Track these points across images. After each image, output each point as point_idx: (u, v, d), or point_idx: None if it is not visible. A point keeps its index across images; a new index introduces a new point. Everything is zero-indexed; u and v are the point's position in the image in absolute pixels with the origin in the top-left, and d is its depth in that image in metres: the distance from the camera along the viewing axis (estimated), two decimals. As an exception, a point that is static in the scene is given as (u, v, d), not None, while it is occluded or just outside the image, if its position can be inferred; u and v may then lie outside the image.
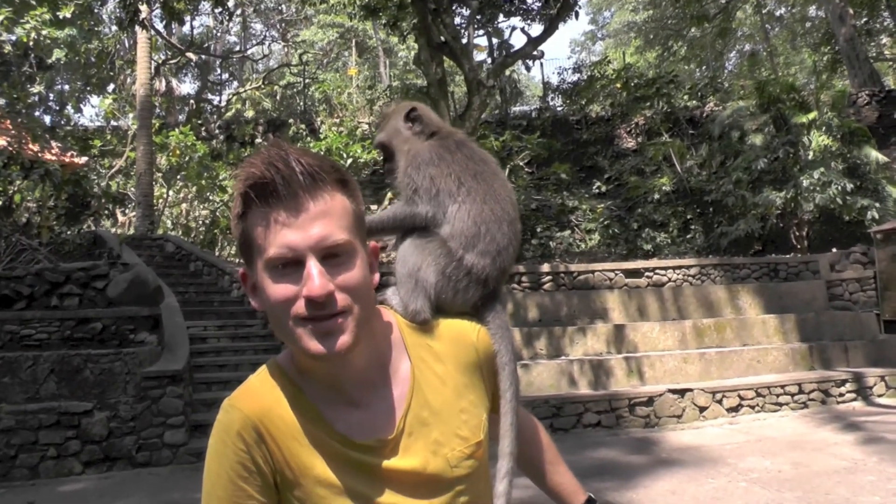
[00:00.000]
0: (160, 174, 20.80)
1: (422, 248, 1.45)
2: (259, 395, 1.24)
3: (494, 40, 19.29)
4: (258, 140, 22.13)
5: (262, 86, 30.70)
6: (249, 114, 28.68)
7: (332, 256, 1.15)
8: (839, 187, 14.38)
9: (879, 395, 10.63)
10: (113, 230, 19.37)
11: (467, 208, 1.45)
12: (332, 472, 1.21)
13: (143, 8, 15.11)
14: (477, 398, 1.34)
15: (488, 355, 1.38)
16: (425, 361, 1.32)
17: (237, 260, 17.01)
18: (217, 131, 23.74)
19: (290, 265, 1.14)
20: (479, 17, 17.03)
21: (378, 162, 17.08)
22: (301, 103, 28.51)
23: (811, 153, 15.07)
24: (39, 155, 16.25)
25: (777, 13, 40.41)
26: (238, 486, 1.20)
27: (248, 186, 1.15)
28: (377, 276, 1.26)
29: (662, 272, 13.22)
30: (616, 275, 12.99)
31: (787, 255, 15.00)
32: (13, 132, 15.63)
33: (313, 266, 1.12)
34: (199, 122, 24.35)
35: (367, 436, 1.23)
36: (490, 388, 1.38)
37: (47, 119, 29.28)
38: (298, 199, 1.14)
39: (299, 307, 1.13)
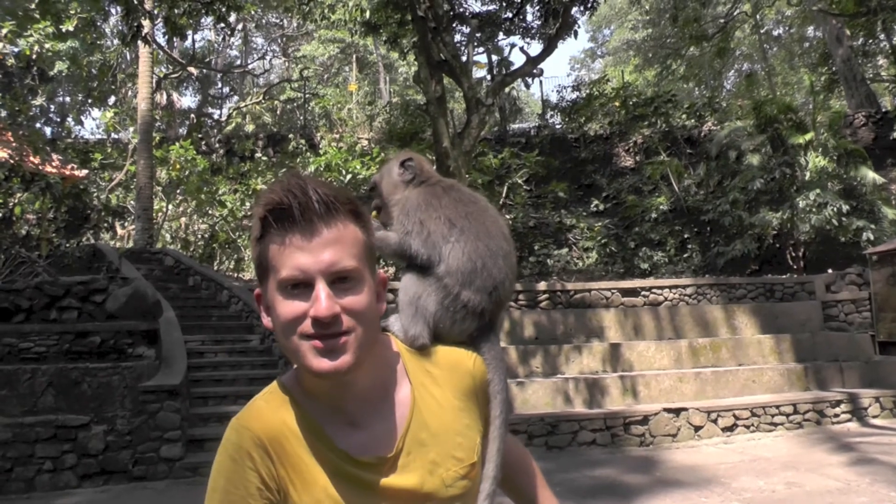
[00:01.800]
0: (160, 188, 20.88)
1: (422, 280, 1.52)
2: (265, 415, 1.30)
3: (494, 58, 19.41)
4: (258, 155, 22.23)
5: (263, 100, 30.88)
6: (250, 128, 28.82)
7: (340, 281, 1.21)
8: (835, 208, 14.47)
9: (874, 417, 10.67)
10: (112, 243, 19.44)
11: (461, 246, 1.50)
12: (334, 487, 1.26)
13: (146, 23, 15.22)
14: (472, 422, 1.39)
15: (483, 382, 1.44)
16: (425, 386, 1.37)
17: (236, 275, 17.06)
18: (217, 145, 23.84)
19: (301, 286, 1.20)
20: (478, 35, 17.16)
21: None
22: (301, 118, 28.69)
23: (808, 174, 15.17)
24: (40, 167, 16.30)
25: (775, 33, 40.76)
26: (246, 502, 1.25)
27: (267, 211, 1.22)
28: (384, 306, 1.33)
29: (659, 291, 13.26)
30: (612, 293, 13.04)
31: (783, 276, 15.06)
32: (14, 144, 15.67)
33: (322, 289, 1.19)
34: (200, 136, 24.46)
35: (366, 454, 1.28)
36: (483, 413, 1.44)
37: (48, 131, 29.48)
38: (313, 226, 1.21)
39: (306, 326, 1.19)
